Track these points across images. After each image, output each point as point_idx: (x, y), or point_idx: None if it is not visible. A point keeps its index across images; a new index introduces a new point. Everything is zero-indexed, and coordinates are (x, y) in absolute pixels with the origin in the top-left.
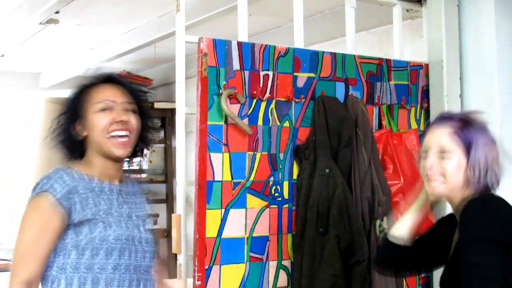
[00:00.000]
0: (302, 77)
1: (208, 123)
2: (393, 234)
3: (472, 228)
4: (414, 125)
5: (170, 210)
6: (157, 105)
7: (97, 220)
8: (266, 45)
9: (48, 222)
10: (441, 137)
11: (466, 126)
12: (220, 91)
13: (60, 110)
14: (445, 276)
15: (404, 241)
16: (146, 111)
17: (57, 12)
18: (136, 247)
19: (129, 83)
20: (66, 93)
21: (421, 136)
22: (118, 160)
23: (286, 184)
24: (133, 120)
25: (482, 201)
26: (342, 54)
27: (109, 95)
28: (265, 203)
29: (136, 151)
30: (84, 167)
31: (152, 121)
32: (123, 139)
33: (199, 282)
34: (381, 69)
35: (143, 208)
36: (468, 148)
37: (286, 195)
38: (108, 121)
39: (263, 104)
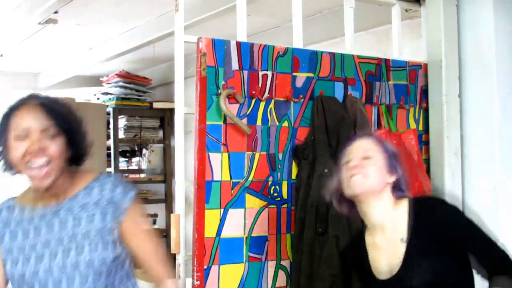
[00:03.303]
0: (301, 77)
1: (207, 123)
2: None
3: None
4: (413, 125)
5: (169, 210)
6: (156, 105)
7: (9, 255)
8: (265, 45)
9: None
10: (364, 144)
11: (385, 140)
12: (219, 91)
13: None
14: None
15: None
16: (74, 128)
17: (56, 12)
18: (55, 278)
19: (50, 103)
20: (64, 93)
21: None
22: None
23: (285, 184)
24: (52, 146)
25: (435, 199)
26: (341, 54)
27: (24, 121)
28: (264, 203)
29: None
30: (25, 194)
31: (83, 137)
32: (42, 171)
33: (198, 282)
34: (380, 69)
35: (90, 223)
36: (391, 161)
37: (285, 195)
38: (22, 150)
39: (262, 104)
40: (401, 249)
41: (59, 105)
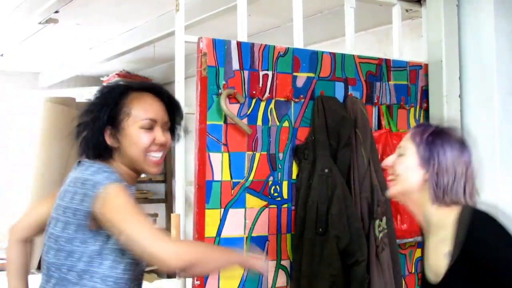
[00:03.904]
0: (302, 77)
1: (208, 123)
2: None
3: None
4: (413, 125)
5: (169, 210)
6: None
7: None
8: (266, 45)
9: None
10: (403, 139)
11: (431, 133)
12: (220, 91)
13: (92, 107)
14: None
15: None
16: (179, 124)
17: (56, 12)
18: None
19: (169, 97)
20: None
21: None
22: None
23: (285, 184)
24: (169, 140)
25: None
26: (342, 54)
27: (152, 113)
28: (264, 203)
29: None
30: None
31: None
32: (158, 159)
33: (198, 282)
34: (380, 69)
35: None
36: (425, 153)
37: (285, 195)
38: (149, 141)
39: (263, 104)
40: (444, 262)
41: (175, 99)
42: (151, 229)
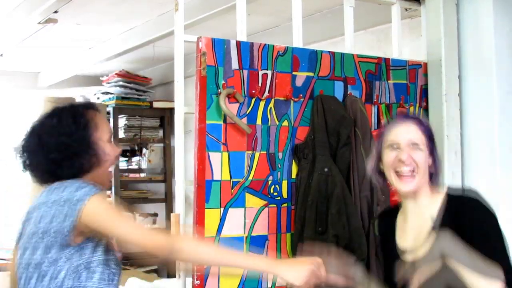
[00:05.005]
0: (301, 77)
1: (207, 122)
2: None
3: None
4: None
5: (169, 209)
6: (156, 105)
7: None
8: (265, 45)
9: None
10: (412, 132)
11: (424, 123)
12: (219, 90)
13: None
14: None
15: None
16: None
17: (55, 12)
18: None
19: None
20: (66, 92)
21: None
22: None
23: (285, 183)
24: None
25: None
26: (341, 53)
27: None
28: (264, 202)
29: None
30: None
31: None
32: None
33: (198, 282)
34: (379, 68)
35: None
36: (432, 144)
37: (285, 195)
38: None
39: (262, 104)
40: (428, 227)
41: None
42: (137, 225)
